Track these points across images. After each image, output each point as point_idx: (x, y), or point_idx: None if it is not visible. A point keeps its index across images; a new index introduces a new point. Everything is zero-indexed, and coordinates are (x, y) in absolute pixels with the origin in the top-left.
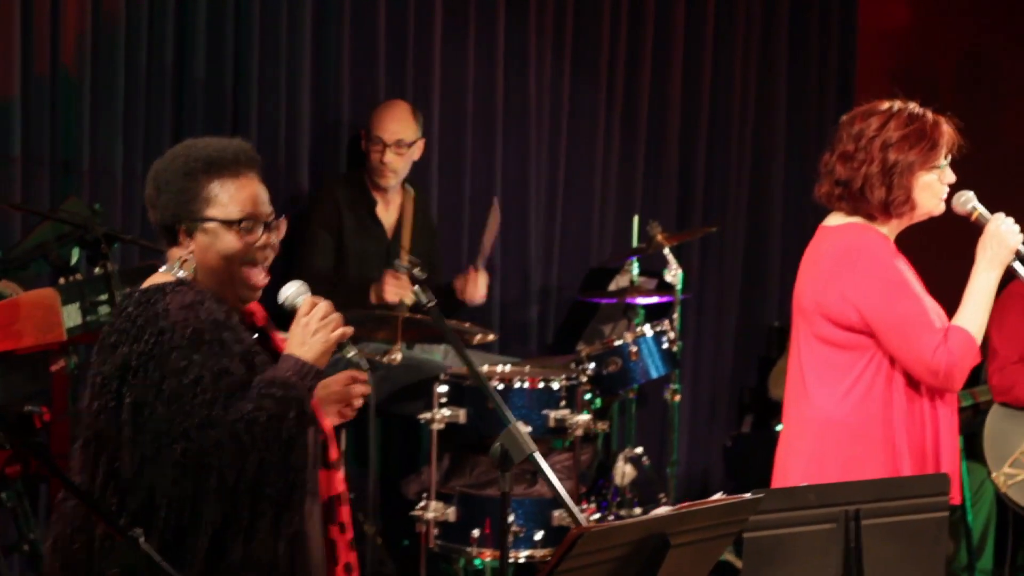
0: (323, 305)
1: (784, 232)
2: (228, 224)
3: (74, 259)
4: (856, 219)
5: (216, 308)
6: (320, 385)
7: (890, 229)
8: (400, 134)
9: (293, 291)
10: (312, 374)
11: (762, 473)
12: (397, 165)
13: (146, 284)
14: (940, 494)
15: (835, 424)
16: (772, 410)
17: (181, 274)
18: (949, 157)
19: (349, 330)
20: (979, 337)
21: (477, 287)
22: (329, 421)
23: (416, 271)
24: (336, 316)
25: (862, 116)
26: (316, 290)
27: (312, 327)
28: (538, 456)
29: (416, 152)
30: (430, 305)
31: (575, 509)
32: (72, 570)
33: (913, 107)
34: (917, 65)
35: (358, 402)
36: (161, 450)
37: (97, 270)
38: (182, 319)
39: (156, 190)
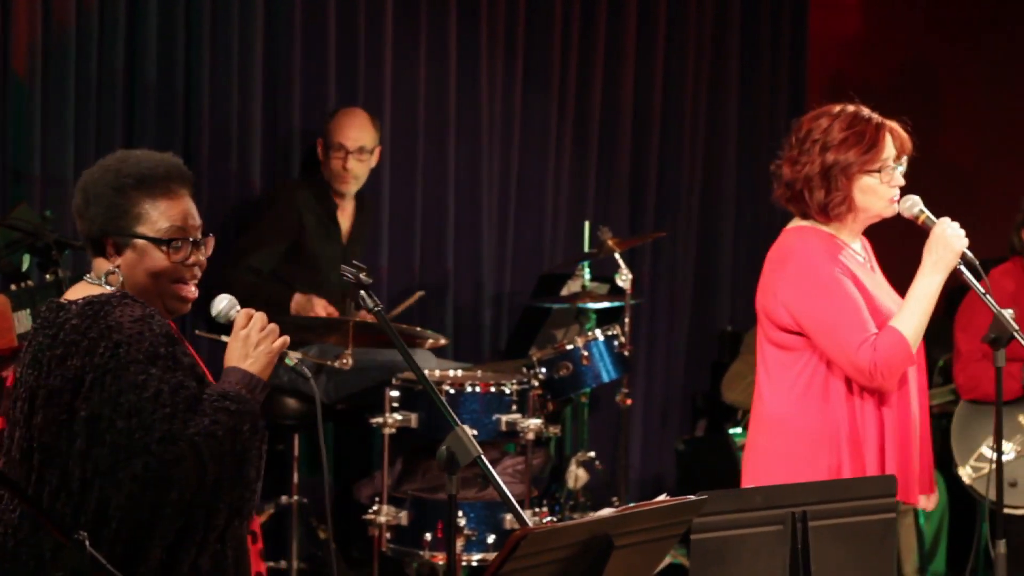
0: (259, 316)
1: (736, 237)
2: (157, 243)
3: (25, 265)
4: (807, 222)
5: (163, 322)
6: None
7: (836, 229)
8: (362, 141)
9: (226, 304)
10: (260, 387)
11: (715, 476)
12: (359, 171)
13: (78, 295)
14: (887, 495)
15: (781, 423)
16: (725, 414)
17: (108, 288)
18: (904, 160)
19: (287, 339)
20: (915, 340)
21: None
22: None
23: (363, 276)
24: (273, 326)
25: (811, 119)
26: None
27: (253, 339)
28: (484, 459)
29: (374, 159)
30: (376, 309)
31: (520, 511)
32: None
33: (861, 110)
34: (867, 73)
35: None
36: (117, 464)
37: (48, 276)
38: (136, 332)
39: (85, 202)
